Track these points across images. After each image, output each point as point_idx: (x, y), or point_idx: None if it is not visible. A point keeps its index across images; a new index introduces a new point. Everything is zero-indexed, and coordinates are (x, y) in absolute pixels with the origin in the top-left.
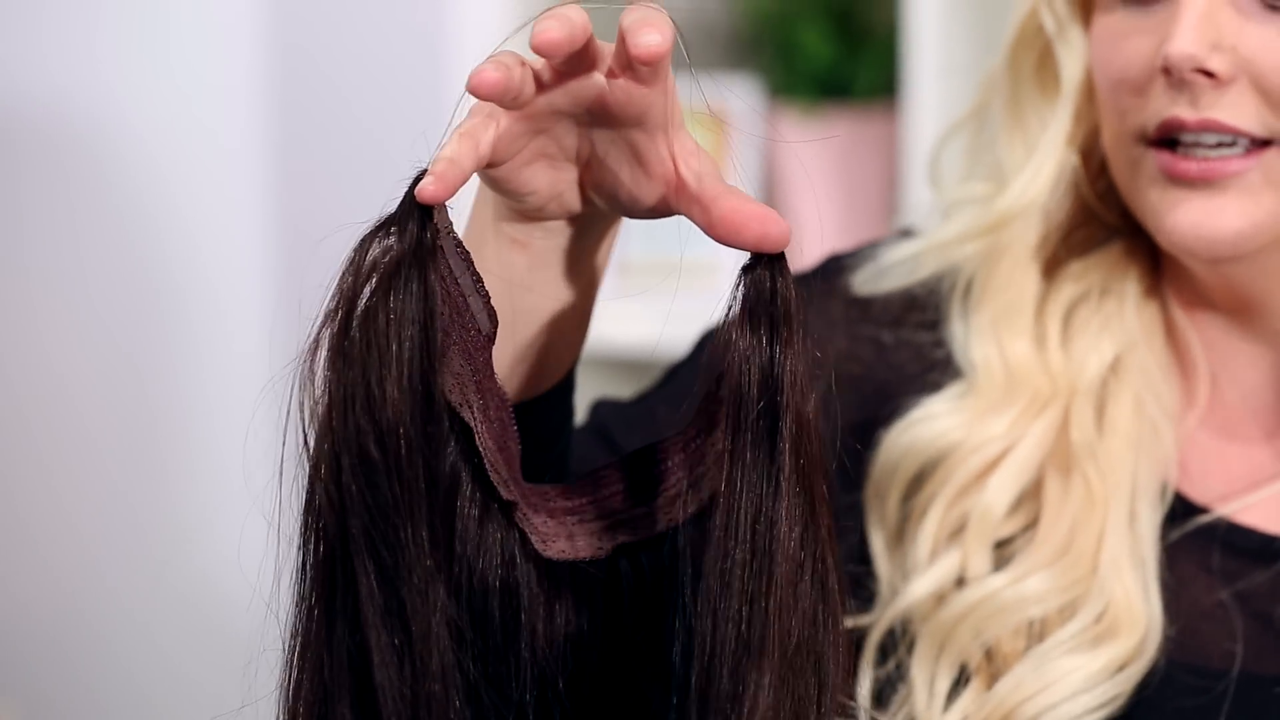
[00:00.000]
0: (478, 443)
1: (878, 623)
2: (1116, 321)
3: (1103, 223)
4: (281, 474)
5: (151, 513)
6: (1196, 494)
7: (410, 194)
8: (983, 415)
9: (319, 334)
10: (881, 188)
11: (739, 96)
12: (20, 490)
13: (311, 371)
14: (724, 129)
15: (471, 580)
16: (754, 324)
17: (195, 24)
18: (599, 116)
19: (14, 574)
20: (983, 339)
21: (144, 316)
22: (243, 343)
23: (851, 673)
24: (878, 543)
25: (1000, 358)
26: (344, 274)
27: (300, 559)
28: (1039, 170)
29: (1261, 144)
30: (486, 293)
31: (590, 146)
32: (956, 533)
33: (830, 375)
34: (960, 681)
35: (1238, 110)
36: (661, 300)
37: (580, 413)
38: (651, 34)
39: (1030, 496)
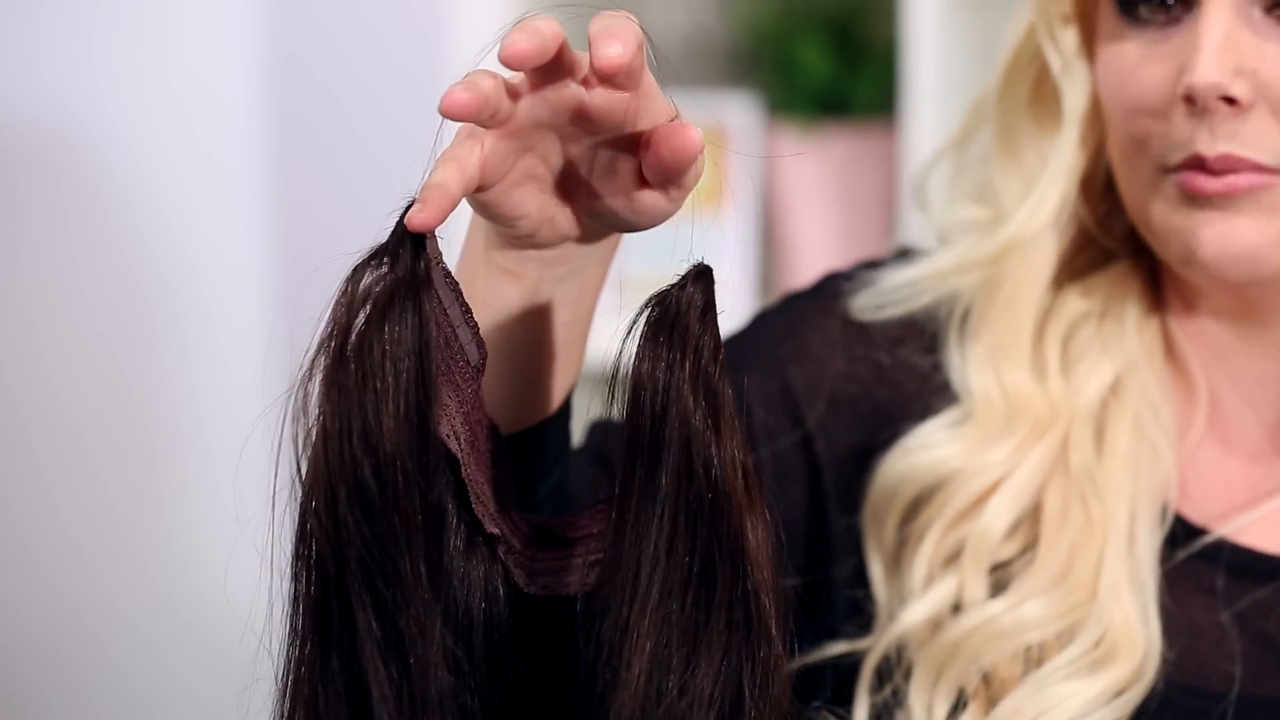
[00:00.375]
0: (463, 475)
1: (874, 648)
2: (1116, 343)
3: (1101, 246)
4: (274, 505)
5: (147, 541)
6: (1196, 513)
7: (401, 223)
8: (982, 443)
9: (313, 364)
10: (880, 204)
11: (737, 112)
12: (15, 522)
13: (305, 402)
14: (722, 145)
15: (457, 612)
16: (652, 345)
17: (193, 41)
18: (583, 128)
19: (11, 600)
20: (981, 369)
21: (138, 344)
22: (237, 372)
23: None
24: (876, 567)
25: (999, 388)
26: (337, 304)
27: (293, 590)
28: (1042, 201)
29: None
30: (475, 323)
31: (578, 162)
32: (953, 558)
33: (824, 401)
34: (958, 707)
35: (1256, 142)
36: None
37: (578, 428)
38: (613, 45)
39: (1028, 519)
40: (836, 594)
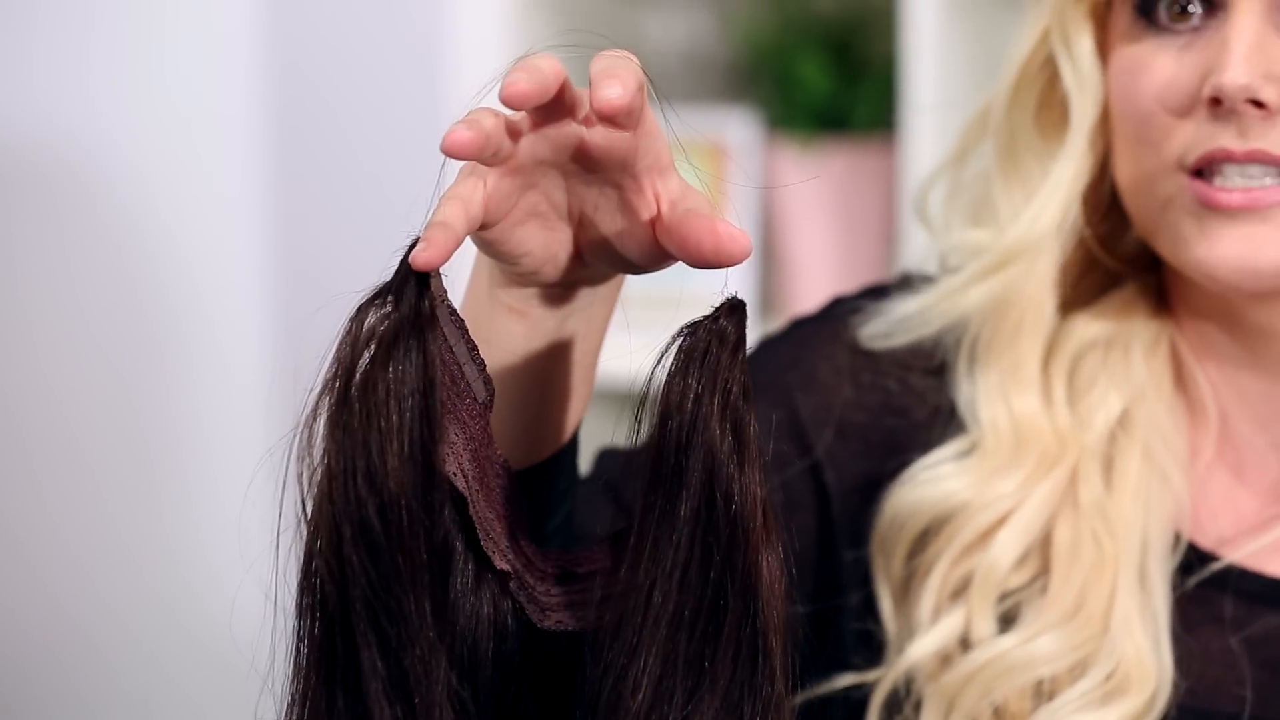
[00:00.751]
0: (471, 512)
1: (882, 680)
2: (1123, 373)
3: (1106, 268)
4: (279, 544)
5: (151, 579)
6: (1207, 539)
7: (405, 261)
8: (990, 476)
9: (317, 404)
10: (880, 219)
11: (737, 128)
12: (13, 573)
13: (309, 441)
14: (720, 161)
15: (465, 650)
16: (682, 375)
17: (191, 55)
18: (585, 165)
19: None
20: (990, 398)
21: (141, 376)
22: (242, 409)
23: None
24: (885, 599)
25: (1008, 418)
26: (341, 343)
27: (298, 629)
28: (1045, 208)
29: None
30: (482, 361)
31: (580, 200)
32: (961, 591)
33: (832, 429)
34: None
35: None
36: (662, 333)
37: (584, 451)
38: (613, 86)
39: (1038, 549)
40: (846, 625)
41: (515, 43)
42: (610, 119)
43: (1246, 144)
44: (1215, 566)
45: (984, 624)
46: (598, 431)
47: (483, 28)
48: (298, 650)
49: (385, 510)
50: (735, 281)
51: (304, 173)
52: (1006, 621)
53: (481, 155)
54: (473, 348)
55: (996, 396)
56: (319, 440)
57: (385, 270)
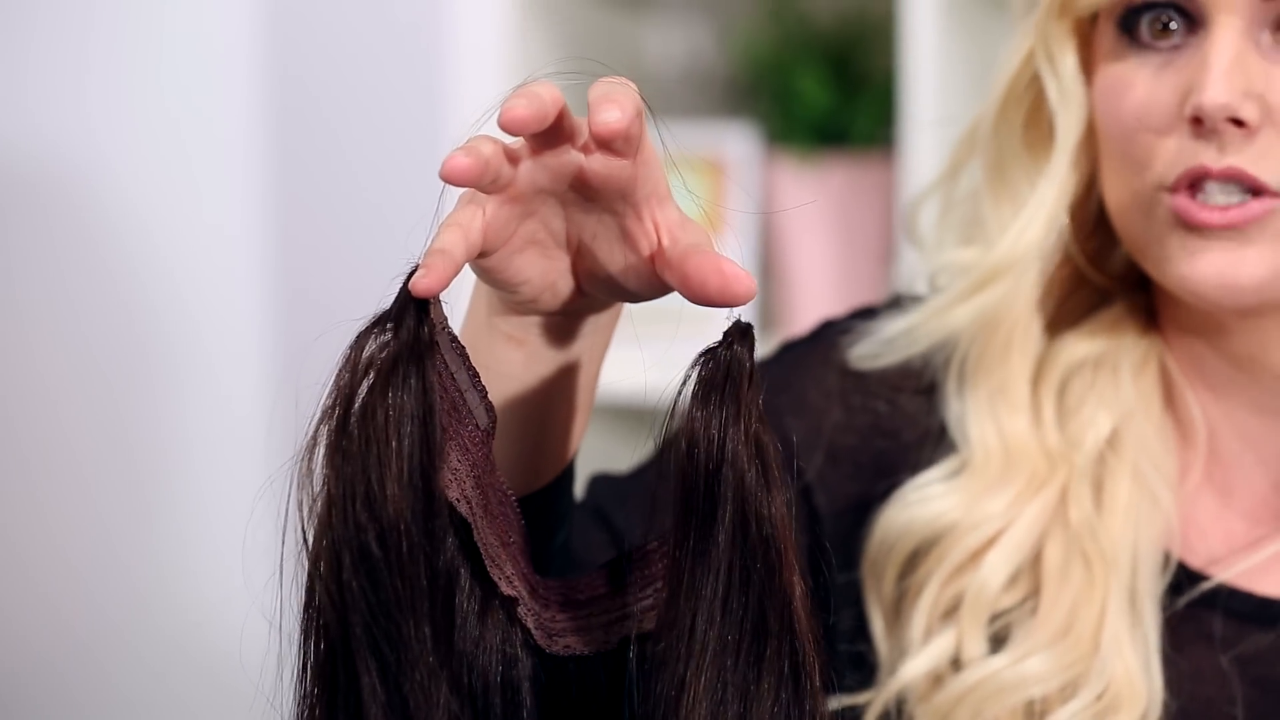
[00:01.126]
0: (476, 538)
1: (874, 702)
2: (1112, 393)
3: (1095, 286)
4: (281, 571)
5: (155, 608)
6: (1197, 559)
7: (405, 288)
8: (980, 496)
9: (317, 431)
10: (879, 234)
11: (736, 143)
12: (16, 606)
13: (310, 468)
14: (719, 176)
15: (472, 676)
16: (704, 404)
17: (190, 78)
18: (583, 194)
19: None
20: (979, 417)
21: (138, 410)
22: (241, 442)
23: None
24: (876, 620)
25: (998, 436)
26: (341, 370)
27: (301, 656)
28: (1030, 223)
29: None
30: (483, 387)
31: (579, 229)
32: (951, 611)
33: (822, 453)
34: None
35: (1263, 161)
36: (660, 347)
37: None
38: (611, 110)
39: (1028, 569)
40: (837, 646)
41: (515, 58)
42: (608, 143)
43: (1224, 161)
44: (1205, 586)
45: (975, 644)
46: (601, 446)
47: (482, 44)
48: (301, 675)
49: (385, 536)
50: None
51: (303, 194)
52: (998, 642)
53: (480, 182)
54: (474, 374)
55: (986, 415)
56: (319, 467)
57: (385, 295)
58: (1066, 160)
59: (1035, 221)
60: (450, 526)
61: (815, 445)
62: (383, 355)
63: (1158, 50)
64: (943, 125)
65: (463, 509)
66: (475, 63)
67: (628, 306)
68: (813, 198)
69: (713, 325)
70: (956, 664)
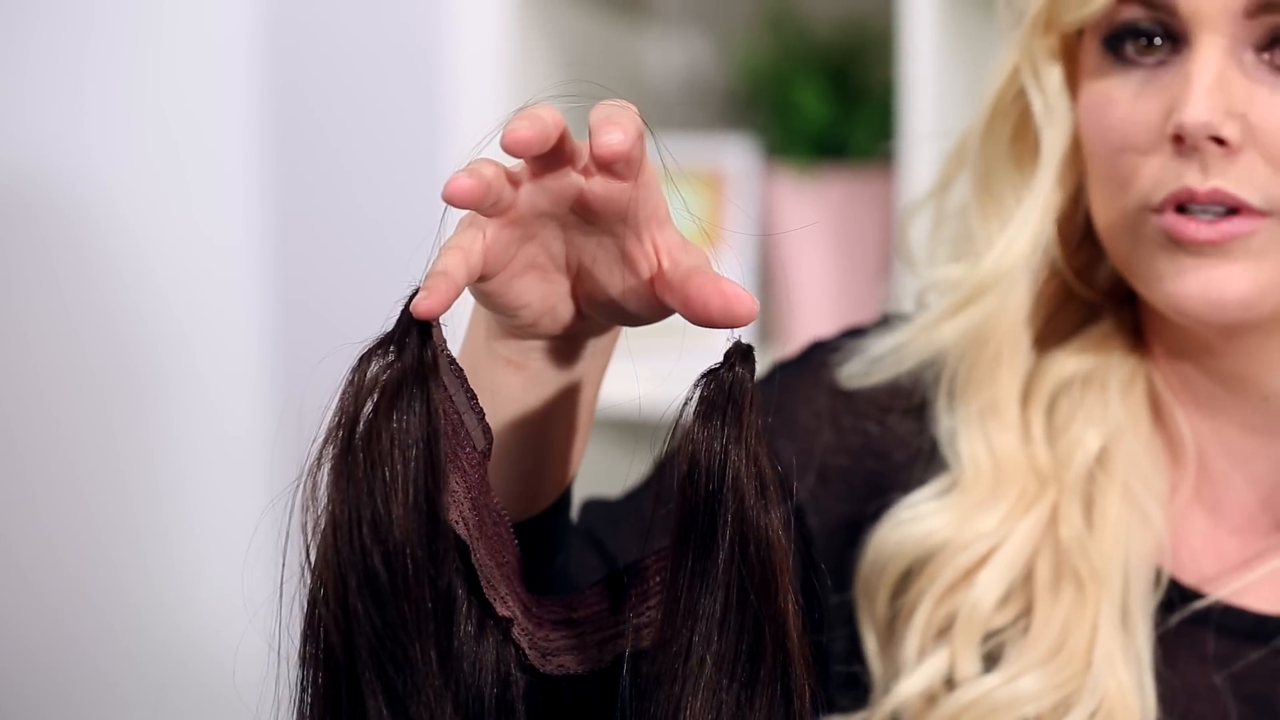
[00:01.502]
0: (473, 560)
1: None
2: (1100, 411)
3: (1082, 301)
4: (282, 593)
5: (153, 630)
6: (1189, 576)
7: (407, 310)
8: (970, 513)
9: (321, 453)
10: (878, 246)
11: (735, 155)
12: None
13: (313, 491)
14: (718, 189)
15: (469, 697)
16: (705, 425)
17: (189, 94)
18: (583, 217)
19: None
20: (969, 434)
21: (138, 431)
22: (239, 459)
23: None
24: (869, 640)
25: (987, 453)
26: (345, 392)
27: (302, 678)
28: (1015, 238)
29: (1262, 211)
30: (481, 409)
31: (579, 252)
32: (944, 630)
33: (813, 474)
34: None
35: (1245, 181)
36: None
37: (595, 482)
38: (613, 132)
39: (1020, 587)
40: (831, 667)
41: (514, 71)
42: (609, 166)
43: (1208, 182)
44: (1198, 604)
45: (968, 663)
46: (600, 460)
47: (482, 57)
48: (301, 699)
49: (391, 559)
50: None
51: (301, 207)
52: (991, 661)
53: (482, 204)
54: (472, 396)
55: (976, 432)
56: (323, 489)
57: (386, 314)
58: (1052, 175)
59: (1021, 236)
60: (451, 548)
61: (807, 466)
62: (386, 378)
63: (1142, 66)
64: (942, 138)
65: (461, 531)
66: (475, 76)
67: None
68: (812, 211)
69: (715, 341)
70: (950, 683)
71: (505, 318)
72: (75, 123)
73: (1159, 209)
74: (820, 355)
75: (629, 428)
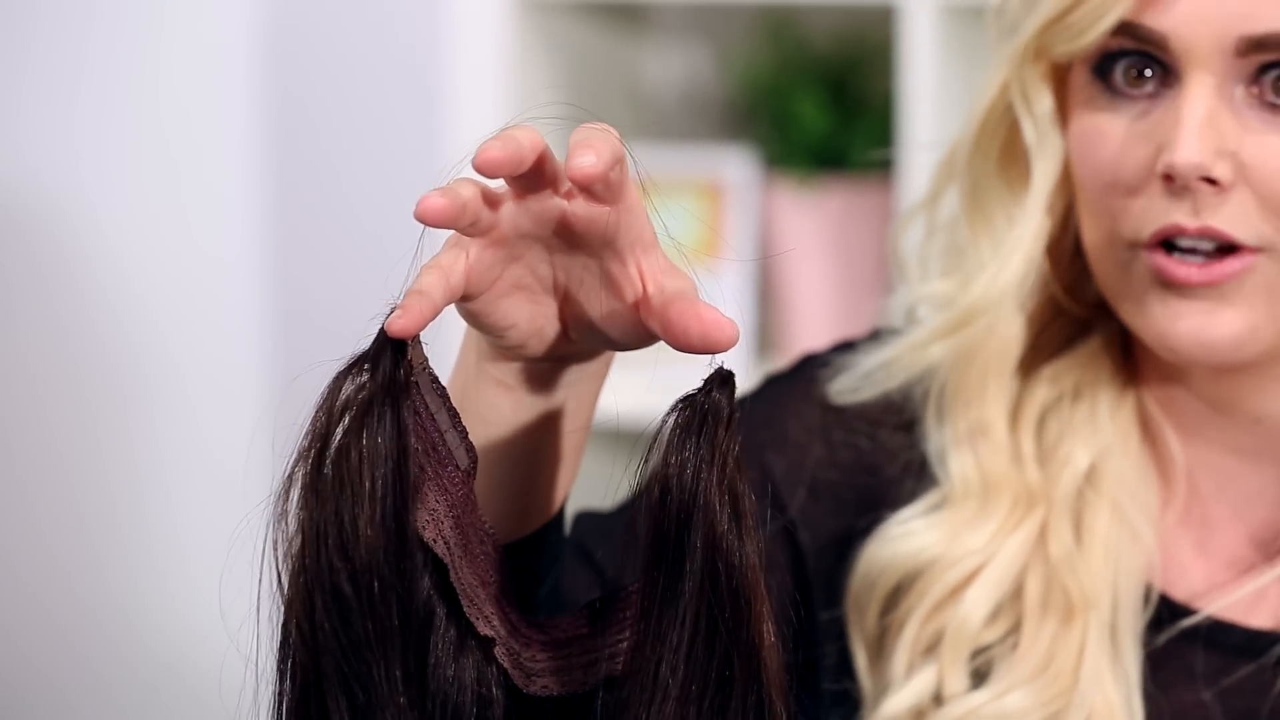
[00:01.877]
0: (452, 579)
1: None
2: (1089, 428)
3: (1072, 316)
4: (258, 611)
5: (129, 649)
6: (1179, 592)
7: (382, 329)
8: (960, 530)
9: (293, 471)
10: (877, 257)
11: (735, 166)
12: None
13: (285, 509)
14: (717, 200)
15: (446, 716)
16: (679, 450)
17: (187, 105)
18: (568, 241)
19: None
20: (959, 451)
21: (117, 452)
22: (240, 475)
23: None
24: (859, 656)
25: (977, 470)
26: (317, 411)
27: (276, 696)
28: (1005, 264)
29: (1252, 250)
30: (464, 428)
31: (566, 274)
32: (932, 647)
33: (804, 489)
34: None
35: (1237, 219)
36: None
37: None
38: (586, 154)
39: (1009, 605)
40: (822, 683)
41: (513, 83)
42: (586, 188)
43: (1199, 221)
44: (1186, 621)
45: (956, 680)
46: (587, 471)
47: (481, 68)
48: (276, 713)
49: (356, 576)
50: (734, 317)
51: (300, 224)
52: (980, 677)
53: (457, 223)
54: (454, 415)
55: (965, 449)
56: (294, 508)
57: (364, 335)
58: (1042, 203)
59: (1011, 263)
60: (428, 567)
61: (798, 481)
62: (357, 396)
63: (1133, 99)
64: (941, 149)
65: (439, 549)
66: (474, 87)
67: None
68: (811, 222)
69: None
70: (938, 700)
71: (493, 338)
72: (71, 132)
73: (1148, 245)
74: (811, 369)
75: (609, 438)
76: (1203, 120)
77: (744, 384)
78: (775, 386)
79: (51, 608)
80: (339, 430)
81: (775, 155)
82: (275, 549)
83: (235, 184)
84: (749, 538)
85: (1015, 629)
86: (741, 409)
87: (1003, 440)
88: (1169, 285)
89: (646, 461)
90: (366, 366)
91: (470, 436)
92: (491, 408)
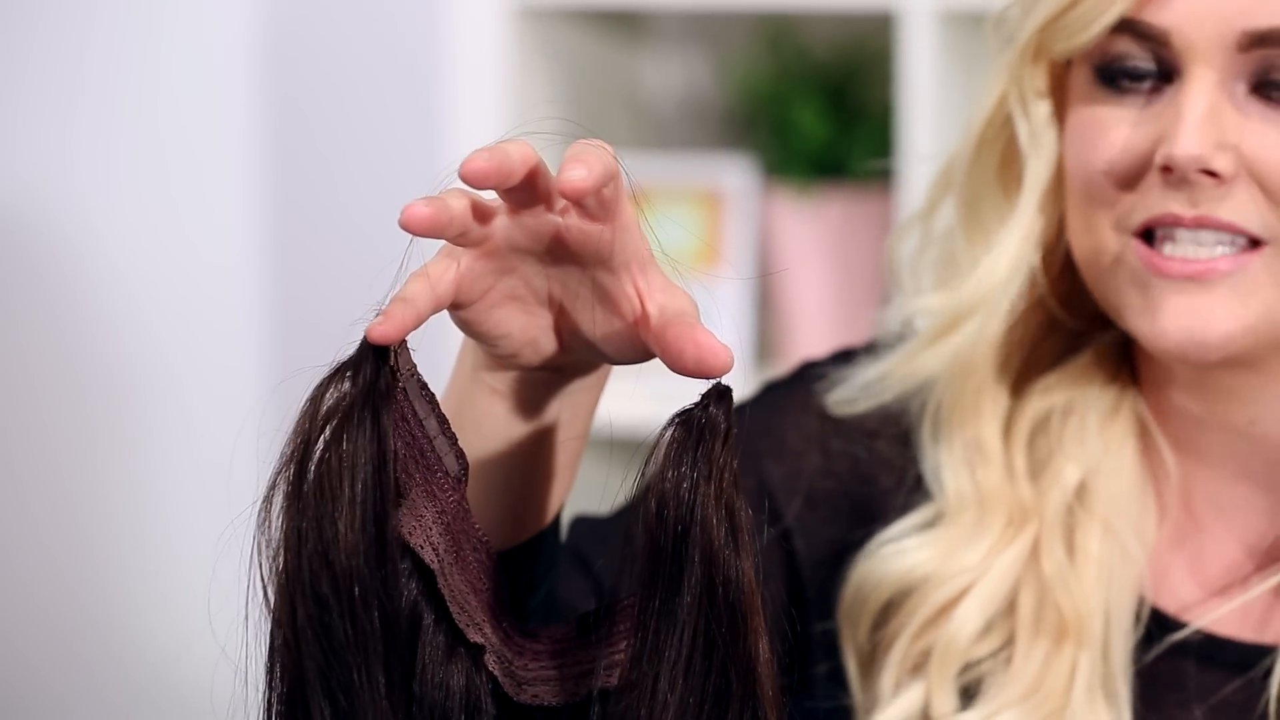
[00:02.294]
0: (440, 585)
1: None
2: (1077, 445)
3: (1067, 330)
4: (246, 616)
5: (122, 651)
6: (1171, 605)
7: (365, 336)
8: (954, 547)
9: (276, 477)
10: (876, 266)
11: (734, 175)
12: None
13: (268, 514)
14: (717, 208)
15: None
16: (676, 465)
17: (186, 110)
18: (563, 256)
19: None
20: (954, 469)
21: (114, 457)
22: (218, 483)
23: None
24: (852, 670)
25: (972, 488)
26: (300, 418)
27: (265, 701)
28: (995, 264)
29: (1253, 244)
30: (453, 434)
31: (561, 288)
32: (920, 665)
33: (801, 497)
34: None
35: (1240, 209)
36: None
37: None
38: (577, 169)
39: (1002, 621)
40: (815, 693)
41: (513, 90)
42: (576, 202)
43: (1196, 210)
44: (1177, 635)
45: (944, 699)
46: (583, 478)
47: (481, 76)
48: (265, 717)
49: (337, 581)
50: (733, 326)
51: (299, 229)
52: (970, 694)
53: (444, 233)
54: (443, 421)
55: (960, 466)
56: (277, 513)
57: (348, 342)
58: (1035, 202)
59: (1001, 262)
60: (414, 572)
61: (795, 490)
62: (339, 402)
63: (1133, 94)
64: (940, 158)
65: (426, 555)
66: (473, 95)
67: None
68: (810, 230)
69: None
70: (926, 718)
71: (487, 346)
72: (69, 136)
73: (1137, 232)
74: (810, 377)
75: (605, 445)
76: (1204, 114)
77: (742, 392)
78: (774, 394)
79: (46, 610)
80: (321, 436)
81: (774, 164)
82: (260, 554)
83: (234, 191)
84: (745, 553)
85: (1007, 644)
86: (740, 417)
87: (997, 458)
88: (1155, 277)
89: (643, 475)
90: (349, 373)
91: (464, 443)
92: (486, 415)
